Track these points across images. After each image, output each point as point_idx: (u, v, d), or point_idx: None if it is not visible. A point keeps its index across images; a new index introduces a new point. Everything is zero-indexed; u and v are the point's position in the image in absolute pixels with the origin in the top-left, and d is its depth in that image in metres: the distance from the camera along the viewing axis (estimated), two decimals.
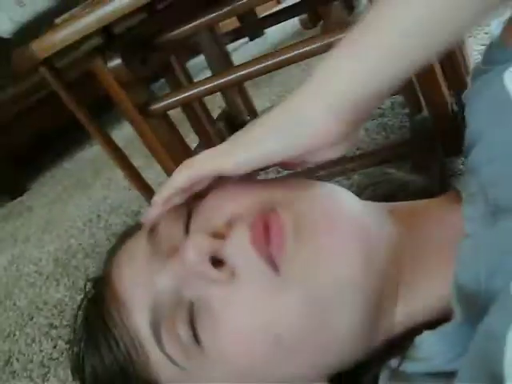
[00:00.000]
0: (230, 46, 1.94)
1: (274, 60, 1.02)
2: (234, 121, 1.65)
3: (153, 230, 0.55)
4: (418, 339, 0.48)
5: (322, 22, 2.69)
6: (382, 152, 1.22)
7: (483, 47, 0.61)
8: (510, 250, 0.43)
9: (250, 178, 0.56)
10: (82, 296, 0.60)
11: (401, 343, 0.51)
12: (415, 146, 1.14)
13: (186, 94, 1.19)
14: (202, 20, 1.20)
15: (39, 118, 2.90)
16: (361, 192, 0.68)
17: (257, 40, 3.27)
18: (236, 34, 1.89)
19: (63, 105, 1.23)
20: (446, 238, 0.52)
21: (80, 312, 0.59)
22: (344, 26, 2.49)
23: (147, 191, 1.37)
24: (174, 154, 1.29)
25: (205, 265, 0.48)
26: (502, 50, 0.57)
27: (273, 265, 0.47)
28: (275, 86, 2.17)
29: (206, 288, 0.49)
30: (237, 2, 1.11)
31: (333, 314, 0.48)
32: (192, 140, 1.50)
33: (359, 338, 0.50)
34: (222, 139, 1.58)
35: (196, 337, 0.49)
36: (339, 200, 0.54)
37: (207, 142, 1.49)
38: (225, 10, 1.16)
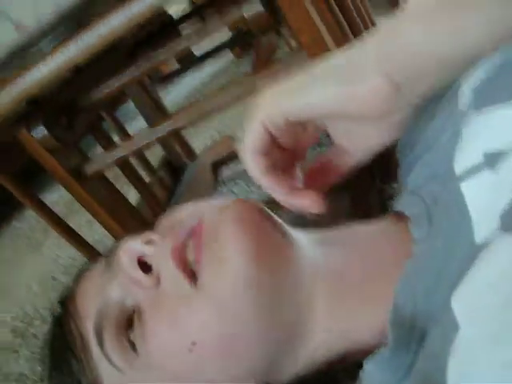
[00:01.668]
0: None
1: (209, 107, 1.01)
2: (175, 166, 1.64)
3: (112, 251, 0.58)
4: (362, 373, 0.48)
5: (253, 50, 2.72)
6: None
7: None
8: (447, 264, 0.43)
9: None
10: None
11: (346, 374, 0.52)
12: (353, 176, 1.14)
13: (121, 152, 1.18)
14: (130, 74, 1.19)
15: None
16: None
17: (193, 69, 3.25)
18: (169, 78, 1.89)
19: None
20: (393, 261, 0.52)
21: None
22: (274, 48, 2.52)
23: (90, 251, 1.34)
24: (116, 213, 1.27)
25: (133, 267, 0.52)
26: None
27: (190, 275, 0.50)
28: (213, 121, 2.15)
29: (138, 294, 0.52)
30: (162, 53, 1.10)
31: (239, 318, 0.49)
32: (133, 193, 1.48)
33: (268, 344, 0.51)
34: (165, 187, 1.56)
35: (131, 342, 0.52)
36: (257, 216, 0.54)
37: (148, 194, 1.47)
38: (152, 60, 1.16)
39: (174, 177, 1.59)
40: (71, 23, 0.94)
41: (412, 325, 0.44)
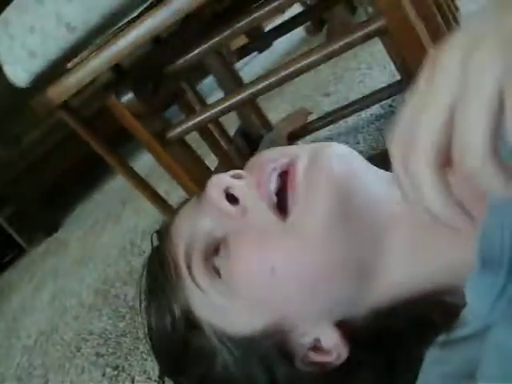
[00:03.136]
0: (241, 62, 1.99)
1: (283, 73, 1.04)
2: (251, 136, 1.69)
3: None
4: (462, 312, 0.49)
5: (326, 26, 2.74)
6: None
7: None
8: None
9: None
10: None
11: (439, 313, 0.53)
12: None
13: (201, 118, 1.23)
14: (209, 43, 1.25)
15: (65, 155, 2.99)
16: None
17: (265, 52, 3.32)
18: (244, 51, 1.93)
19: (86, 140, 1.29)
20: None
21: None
22: (348, 26, 2.54)
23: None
24: (196, 177, 1.33)
25: (220, 198, 0.56)
26: None
27: (277, 210, 0.54)
28: (287, 96, 2.20)
29: (226, 225, 0.57)
30: (241, 21, 1.14)
31: (320, 251, 0.53)
32: (212, 160, 1.54)
33: (344, 278, 0.54)
34: (241, 156, 1.62)
35: (215, 268, 0.57)
36: (350, 161, 0.57)
37: (226, 161, 1.53)
38: (230, 30, 1.20)
39: (251, 146, 1.64)
40: None
41: (501, 249, 0.44)
